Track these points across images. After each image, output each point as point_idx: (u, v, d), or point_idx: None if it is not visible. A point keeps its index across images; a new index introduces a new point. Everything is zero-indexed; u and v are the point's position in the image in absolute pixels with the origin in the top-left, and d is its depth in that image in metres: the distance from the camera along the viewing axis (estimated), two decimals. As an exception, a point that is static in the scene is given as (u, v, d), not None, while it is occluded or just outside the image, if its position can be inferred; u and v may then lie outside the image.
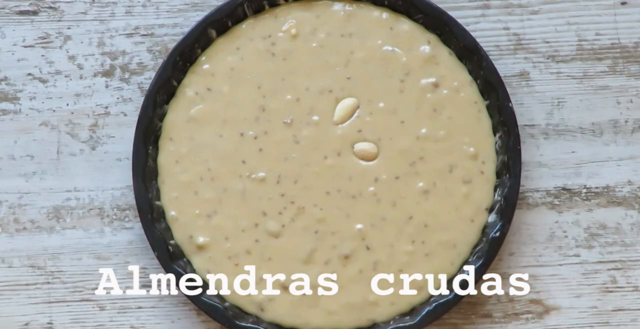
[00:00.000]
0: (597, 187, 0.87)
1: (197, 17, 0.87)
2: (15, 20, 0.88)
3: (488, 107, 0.86)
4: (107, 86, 0.88)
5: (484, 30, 0.88)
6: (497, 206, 0.85)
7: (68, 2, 0.88)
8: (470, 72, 0.86)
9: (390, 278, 0.85)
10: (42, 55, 0.88)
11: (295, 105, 0.85)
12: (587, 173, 0.87)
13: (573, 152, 0.88)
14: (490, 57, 0.86)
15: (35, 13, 0.88)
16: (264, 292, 0.85)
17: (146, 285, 0.88)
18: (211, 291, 0.85)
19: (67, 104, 0.88)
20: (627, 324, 0.87)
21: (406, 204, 0.85)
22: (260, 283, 0.85)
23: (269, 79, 0.86)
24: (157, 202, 0.85)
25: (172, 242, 0.85)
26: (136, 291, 0.88)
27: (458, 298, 0.84)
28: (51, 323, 0.87)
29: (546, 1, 0.88)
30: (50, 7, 0.88)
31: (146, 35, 0.88)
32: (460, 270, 0.85)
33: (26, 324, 0.88)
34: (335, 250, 0.85)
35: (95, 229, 0.88)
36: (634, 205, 0.87)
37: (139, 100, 0.87)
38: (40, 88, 0.88)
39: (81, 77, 0.88)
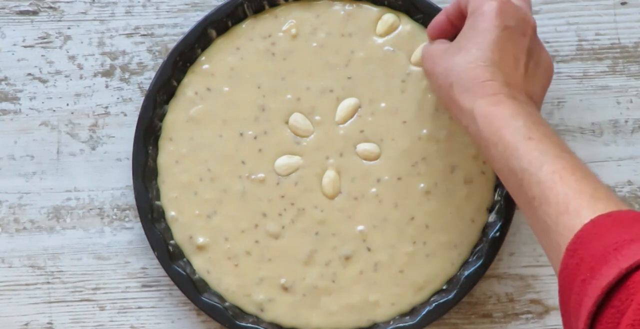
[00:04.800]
0: (597, 187, 0.87)
1: (197, 17, 0.87)
2: (15, 20, 0.88)
3: (488, 107, 0.86)
4: (107, 86, 0.88)
5: (484, 30, 0.88)
6: (497, 206, 0.85)
7: (68, 2, 0.88)
8: (471, 72, 0.86)
9: (391, 278, 0.85)
10: (42, 55, 0.88)
11: (296, 105, 0.85)
12: (587, 173, 0.87)
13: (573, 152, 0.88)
14: (491, 57, 0.86)
15: (35, 13, 0.88)
16: (264, 292, 0.85)
17: (146, 285, 0.88)
18: (211, 291, 0.85)
19: (67, 104, 0.88)
20: (627, 324, 0.87)
21: (408, 205, 0.84)
22: (260, 283, 0.85)
23: (269, 78, 0.86)
24: (157, 202, 0.85)
25: (172, 242, 0.85)
26: (136, 291, 0.88)
27: (458, 298, 0.84)
28: (51, 323, 0.87)
29: (546, 1, 0.88)
30: (50, 7, 0.88)
31: (146, 35, 0.88)
32: (460, 270, 0.85)
33: (26, 324, 0.87)
34: (335, 251, 0.85)
35: (95, 229, 0.88)
36: (634, 205, 0.87)
37: (139, 100, 0.87)
38: (40, 88, 0.88)
39: (81, 77, 0.88)
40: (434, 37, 0.81)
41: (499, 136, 0.71)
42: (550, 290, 0.87)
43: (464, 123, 0.74)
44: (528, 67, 0.76)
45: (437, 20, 0.81)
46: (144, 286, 0.88)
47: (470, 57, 0.74)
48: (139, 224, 0.86)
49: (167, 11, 0.88)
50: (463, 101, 0.74)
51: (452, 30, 0.80)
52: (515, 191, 0.71)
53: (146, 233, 0.85)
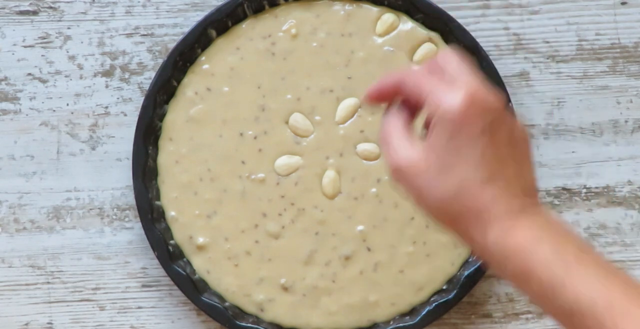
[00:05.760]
0: (597, 187, 0.87)
1: (197, 17, 0.87)
2: (15, 20, 0.88)
3: (488, 107, 0.85)
4: (107, 86, 0.88)
5: (484, 30, 0.88)
6: (497, 206, 0.85)
7: (68, 2, 0.88)
8: (471, 72, 0.86)
9: (391, 278, 0.85)
10: (42, 55, 0.88)
11: (296, 105, 0.85)
12: (587, 173, 0.87)
13: (573, 152, 0.88)
14: (490, 57, 0.86)
15: (35, 13, 0.88)
16: (264, 292, 0.85)
17: (146, 285, 0.88)
18: (211, 291, 0.85)
19: (67, 104, 0.88)
20: (627, 324, 0.87)
21: (408, 205, 0.84)
22: (260, 283, 0.85)
23: (269, 78, 0.85)
24: (157, 202, 0.85)
25: (172, 242, 0.85)
26: (136, 291, 0.87)
27: (458, 298, 0.84)
28: (51, 323, 0.87)
29: (546, 1, 0.88)
30: (50, 7, 0.88)
31: (146, 35, 0.88)
32: (460, 270, 0.85)
33: (26, 324, 0.87)
34: (335, 251, 0.85)
35: (95, 229, 0.88)
36: (634, 205, 0.87)
37: (139, 100, 0.87)
38: (40, 88, 0.88)
39: (81, 77, 0.88)
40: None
41: (528, 273, 0.62)
42: (550, 290, 0.87)
43: (476, 253, 0.66)
44: (515, 157, 0.64)
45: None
46: (144, 286, 0.88)
47: (462, 175, 0.63)
48: (139, 224, 0.86)
49: (167, 11, 0.88)
50: (472, 234, 0.64)
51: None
52: (562, 321, 0.62)
53: (146, 233, 0.85)
